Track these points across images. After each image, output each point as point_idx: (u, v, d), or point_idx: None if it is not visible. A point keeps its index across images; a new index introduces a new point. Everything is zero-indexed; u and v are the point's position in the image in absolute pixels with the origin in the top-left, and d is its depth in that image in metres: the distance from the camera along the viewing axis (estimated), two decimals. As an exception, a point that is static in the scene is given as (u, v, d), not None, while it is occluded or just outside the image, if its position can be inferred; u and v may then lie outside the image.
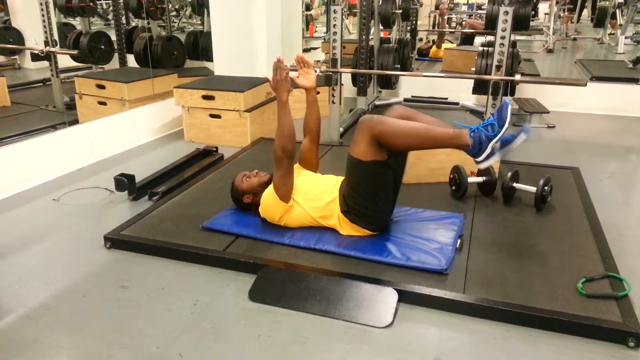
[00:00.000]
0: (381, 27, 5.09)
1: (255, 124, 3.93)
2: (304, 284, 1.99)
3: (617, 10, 8.82)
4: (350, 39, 6.70)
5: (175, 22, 7.24)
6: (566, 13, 9.92)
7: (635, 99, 4.98)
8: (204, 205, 2.71)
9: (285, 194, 2.30)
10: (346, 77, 4.64)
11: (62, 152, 3.36)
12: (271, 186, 2.34)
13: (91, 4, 5.18)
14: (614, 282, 1.99)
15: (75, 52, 4.97)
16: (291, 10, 5.59)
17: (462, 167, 2.78)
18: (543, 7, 10.69)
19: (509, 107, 2.00)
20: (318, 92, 4.40)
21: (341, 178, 2.40)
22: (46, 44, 4.31)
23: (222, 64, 4.64)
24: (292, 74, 2.32)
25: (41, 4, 4.26)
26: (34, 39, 4.40)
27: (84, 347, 1.72)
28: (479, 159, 2.06)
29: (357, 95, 4.77)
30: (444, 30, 8.17)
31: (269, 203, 2.34)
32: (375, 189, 2.23)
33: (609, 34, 9.58)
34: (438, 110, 4.91)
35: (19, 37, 4.97)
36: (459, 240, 2.29)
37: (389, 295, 1.91)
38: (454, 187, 2.85)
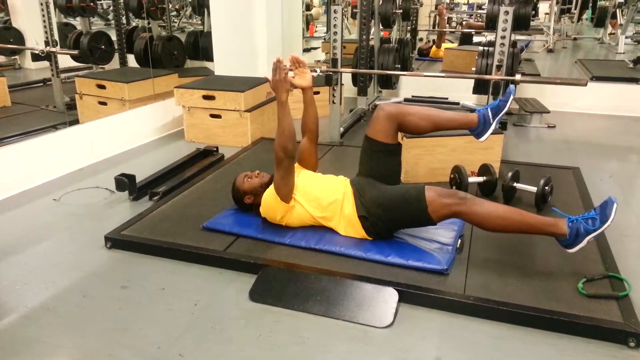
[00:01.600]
0: (381, 27, 5.09)
1: (255, 123, 3.93)
2: (305, 284, 1.99)
3: (617, 10, 8.81)
4: (351, 39, 6.71)
5: (176, 22, 7.24)
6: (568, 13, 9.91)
7: (635, 99, 4.97)
8: (204, 205, 2.71)
9: (286, 195, 2.30)
10: (346, 77, 4.64)
11: (62, 152, 3.36)
12: (272, 186, 2.34)
13: (91, 4, 5.18)
14: (614, 282, 1.99)
15: (75, 52, 4.98)
16: (291, 10, 5.59)
17: (462, 167, 2.78)
18: (543, 7, 10.68)
19: (615, 205, 1.94)
20: (318, 92, 4.43)
21: (344, 179, 2.40)
22: (46, 44, 4.31)
23: (222, 64, 4.64)
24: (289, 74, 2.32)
25: (41, 4, 4.26)
26: (35, 39, 4.40)
27: (85, 347, 1.73)
28: (570, 250, 2.03)
29: (357, 95, 4.77)
30: (444, 30, 8.16)
31: (270, 203, 2.34)
32: (406, 223, 2.27)
33: (609, 34, 9.57)
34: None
35: (19, 37, 4.97)
36: (459, 241, 2.29)
37: (390, 296, 1.91)
38: (454, 187, 2.85)
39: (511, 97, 2.30)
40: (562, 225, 2.02)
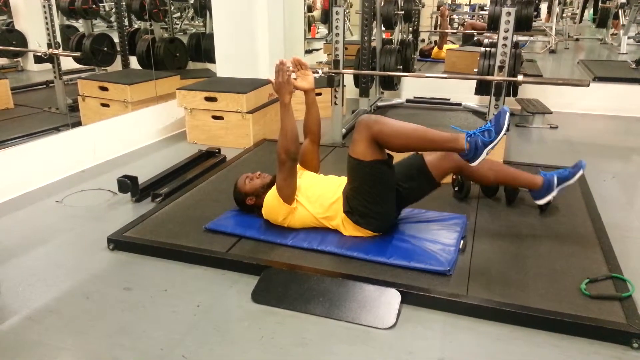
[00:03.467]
0: (383, 28, 5.09)
1: (257, 125, 3.94)
2: (307, 285, 1.99)
3: (619, 11, 8.80)
4: (353, 40, 6.71)
5: (178, 24, 7.26)
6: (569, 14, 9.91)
7: (638, 100, 4.96)
8: (206, 206, 2.71)
9: (288, 196, 2.31)
10: (348, 78, 4.63)
11: (65, 154, 3.37)
12: (274, 188, 2.34)
13: (94, 6, 5.20)
14: (617, 283, 1.98)
15: (78, 54, 4.99)
16: (293, 11, 5.59)
17: (464, 168, 2.78)
18: (545, 8, 10.68)
19: (507, 114, 2.03)
20: (320, 94, 4.43)
21: (344, 178, 2.41)
22: (49, 46, 4.33)
23: (224, 66, 4.64)
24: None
25: (44, 7, 4.28)
26: (37, 41, 4.42)
27: (88, 348, 1.73)
28: (473, 163, 2.09)
29: (359, 97, 4.76)
30: (446, 31, 8.17)
31: (272, 205, 2.35)
32: (377, 189, 2.23)
33: (611, 34, 9.56)
34: (441, 112, 4.91)
35: (22, 40, 4.99)
36: (462, 241, 2.29)
37: (392, 297, 1.91)
38: (456, 188, 2.85)
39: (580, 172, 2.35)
40: (461, 141, 2.06)
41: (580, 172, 2.35)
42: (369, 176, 2.20)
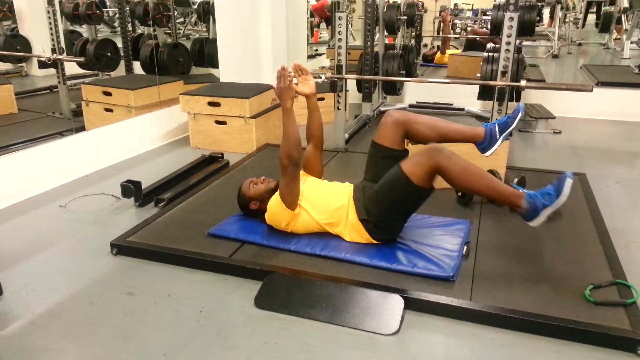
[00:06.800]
0: (386, 34, 5.10)
1: (260, 130, 3.94)
2: (310, 291, 1.99)
3: (622, 15, 8.80)
4: (355, 45, 6.72)
5: (181, 29, 7.28)
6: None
7: (641, 105, 4.96)
8: (210, 211, 2.71)
9: (291, 202, 2.30)
10: (351, 83, 4.64)
11: (68, 158, 3.38)
12: (277, 193, 2.34)
13: (97, 11, 5.22)
14: (622, 289, 1.98)
15: (81, 59, 5.01)
16: (296, 16, 5.61)
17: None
18: (548, 13, 10.67)
19: (570, 182, 2.00)
20: (323, 99, 4.43)
21: (348, 185, 2.41)
22: (53, 51, 4.34)
23: (227, 71, 4.66)
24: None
25: (48, 12, 4.30)
26: (41, 46, 4.43)
27: (91, 354, 1.73)
28: (531, 223, 2.08)
29: (362, 101, 4.77)
30: (448, 36, 8.17)
31: (275, 210, 2.35)
32: (406, 209, 2.27)
33: (614, 39, 9.55)
34: (443, 117, 4.90)
35: (26, 45, 5.01)
36: (465, 247, 2.28)
37: (396, 303, 1.90)
38: (460, 193, 2.84)
39: (519, 115, 2.33)
40: (522, 200, 2.07)
41: (520, 115, 2.32)
42: (407, 196, 2.20)
